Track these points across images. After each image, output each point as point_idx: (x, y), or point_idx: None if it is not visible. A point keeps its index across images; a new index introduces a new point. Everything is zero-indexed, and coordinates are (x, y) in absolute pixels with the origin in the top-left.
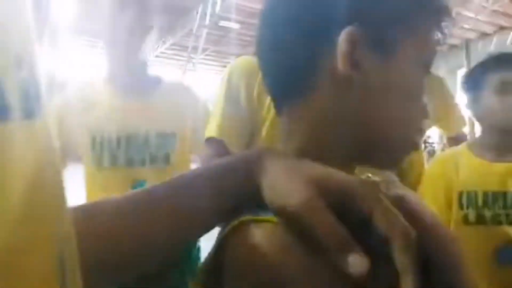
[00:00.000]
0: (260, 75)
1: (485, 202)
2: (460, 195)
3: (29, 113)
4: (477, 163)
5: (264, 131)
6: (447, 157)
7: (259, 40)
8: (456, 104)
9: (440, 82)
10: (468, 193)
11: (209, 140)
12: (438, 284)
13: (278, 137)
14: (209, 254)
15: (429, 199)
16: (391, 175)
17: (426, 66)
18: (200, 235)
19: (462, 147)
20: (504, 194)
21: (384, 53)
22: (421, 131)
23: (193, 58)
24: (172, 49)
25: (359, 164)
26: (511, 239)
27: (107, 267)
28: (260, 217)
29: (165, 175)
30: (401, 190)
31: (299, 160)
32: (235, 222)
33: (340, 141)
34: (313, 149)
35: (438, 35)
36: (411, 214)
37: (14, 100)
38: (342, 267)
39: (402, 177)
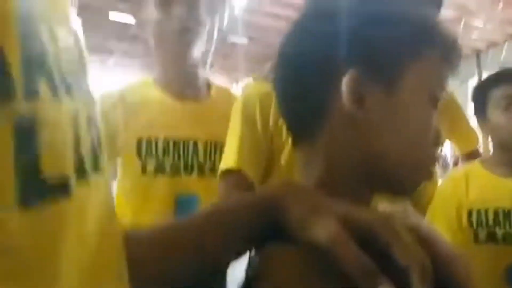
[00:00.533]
0: (274, 101)
1: (496, 220)
2: (470, 213)
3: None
4: (489, 179)
5: (282, 159)
6: (458, 175)
7: (276, 76)
8: (467, 121)
9: (450, 98)
10: (479, 211)
11: (227, 171)
12: None
13: (296, 166)
14: (240, 284)
15: (440, 218)
16: (406, 203)
17: (434, 98)
18: (227, 267)
19: (474, 163)
20: None
21: (388, 90)
22: (434, 160)
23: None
24: None
25: (376, 192)
26: None
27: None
28: (287, 247)
29: (211, 186)
30: (416, 218)
31: (322, 196)
32: (265, 252)
33: (353, 174)
34: (329, 182)
35: (446, 67)
36: (426, 242)
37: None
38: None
39: (416, 196)
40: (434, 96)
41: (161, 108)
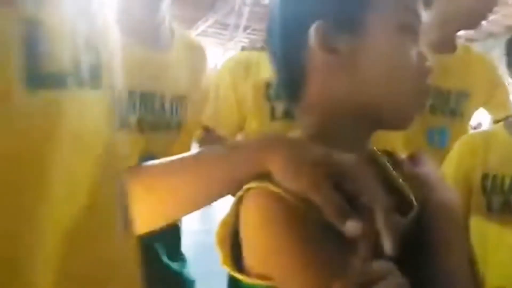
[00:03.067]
0: (245, 71)
1: None
2: (485, 177)
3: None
4: (511, 144)
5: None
6: (476, 135)
7: (266, 40)
8: (505, 86)
9: (490, 63)
10: (495, 176)
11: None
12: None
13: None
14: (226, 215)
15: (449, 178)
16: (422, 153)
17: (404, 27)
18: (213, 201)
19: (498, 126)
20: None
21: (355, 33)
22: (425, 90)
23: (235, 36)
24: (214, 27)
25: (373, 132)
26: None
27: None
28: (265, 185)
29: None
30: (426, 167)
31: (306, 146)
32: (247, 187)
33: (344, 120)
34: (324, 133)
35: None
36: (424, 188)
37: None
38: (342, 230)
39: None
40: (405, 23)
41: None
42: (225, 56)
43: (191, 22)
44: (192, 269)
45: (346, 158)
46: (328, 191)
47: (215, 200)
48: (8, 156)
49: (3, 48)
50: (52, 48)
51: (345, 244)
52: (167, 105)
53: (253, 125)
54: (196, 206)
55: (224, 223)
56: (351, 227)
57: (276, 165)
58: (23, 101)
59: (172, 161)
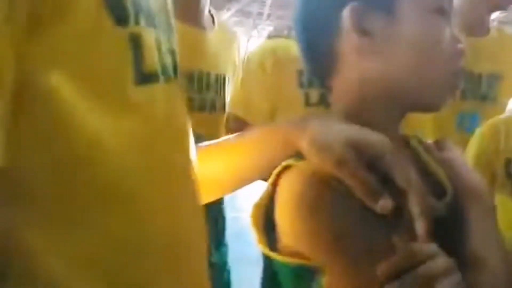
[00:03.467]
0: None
1: None
2: (508, 162)
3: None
4: None
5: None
6: (500, 120)
7: (294, 26)
8: None
9: None
10: None
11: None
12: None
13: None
14: (261, 196)
15: (472, 163)
16: (448, 139)
17: (438, 9)
18: (252, 181)
19: None
20: None
21: (389, 14)
22: (457, 72)
23: (258, 24)
24: (237, 16)
25: (406, 114)
26: None
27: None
28: (301, 163)
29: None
30: (451, 153)
31: (337, 124)
32: (284, 165)
33: (377, 101)
34: (356, 117)
35: None
36: (451, 171)
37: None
38: (373, 209)
39: None
40: (438, 6)
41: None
42: (250, 45)
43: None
44: None
45: (380, 138)
46: (357, 169)
47: (250, 182)
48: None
49: (122, 55)
50: (148, 54)
51: (384, 224)
52: (212, 85)
53: (287, 114)
54: (242, 183)
55: (258, 204)
56: (383, 206)
57: (304, 142)
58: (133, 93)
59: (216, 143)
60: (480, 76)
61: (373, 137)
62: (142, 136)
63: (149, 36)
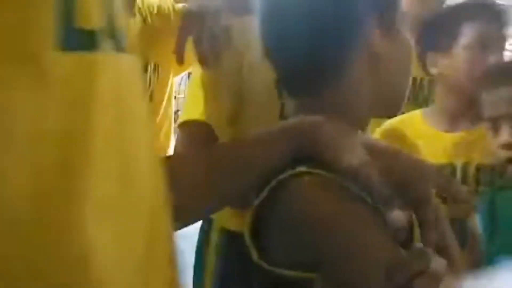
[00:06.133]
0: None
1: None
2: None
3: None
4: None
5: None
6: (393, 123)
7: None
8: None
9: None
10: None
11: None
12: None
13: None
14: (259, 201)
15: None
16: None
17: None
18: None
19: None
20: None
21: (392, 36)
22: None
23: None
24: None
25: (374, 117)
26: None
27: None
28: (315, 171)
29: None
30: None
31: (348, 129)
32: (290, 173)
33: (364, 105)
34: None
35: None
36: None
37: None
38: (387, 218)
39: None
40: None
41: None
42: None
43: None
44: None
45: (390, 147)
46: (376, 175)
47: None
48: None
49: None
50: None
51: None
52: None
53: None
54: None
55: (252, 211)
56: (396, 217)
57: (324, 142)
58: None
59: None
60: (421, 80)
61: (383, 145)
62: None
63: None
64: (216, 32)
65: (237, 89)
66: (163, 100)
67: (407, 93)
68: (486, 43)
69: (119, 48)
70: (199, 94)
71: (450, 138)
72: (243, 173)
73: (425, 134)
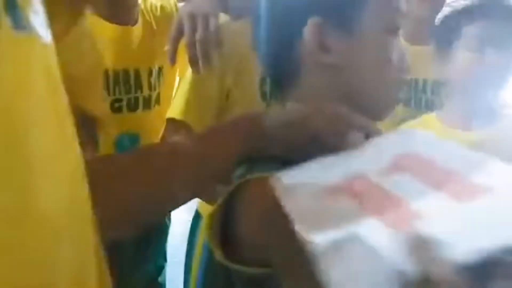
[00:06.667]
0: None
1: None
2: None
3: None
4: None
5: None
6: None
7: (256, 35)
8: None
9: None
10: None
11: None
12: None
13: None
14: (216, 208)
15: None
16: None
17: (392, 28)
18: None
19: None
20: None
21: (349, 32)
22: (400, 84)
23: None
24: None
25: None
26: None
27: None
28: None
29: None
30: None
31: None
32: (245, 179)
33: None
34: None
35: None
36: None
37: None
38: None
39: None
40: (392, 25)
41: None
42: None
43: None
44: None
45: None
46: None
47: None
48: None
49: None
50: None
51: None
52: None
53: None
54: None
55: (213, 214)
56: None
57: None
58: None
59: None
60: (425, 83)
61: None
62: None
63: None
64: (208, 36)
65: (225, 90)
66: (170, 103)
67: (393, 97)
68: (490, 43)
69: (19, 26)
70: (187, 94)
71: (467, 136)
72: (198, 170)
73: (444, 133)
